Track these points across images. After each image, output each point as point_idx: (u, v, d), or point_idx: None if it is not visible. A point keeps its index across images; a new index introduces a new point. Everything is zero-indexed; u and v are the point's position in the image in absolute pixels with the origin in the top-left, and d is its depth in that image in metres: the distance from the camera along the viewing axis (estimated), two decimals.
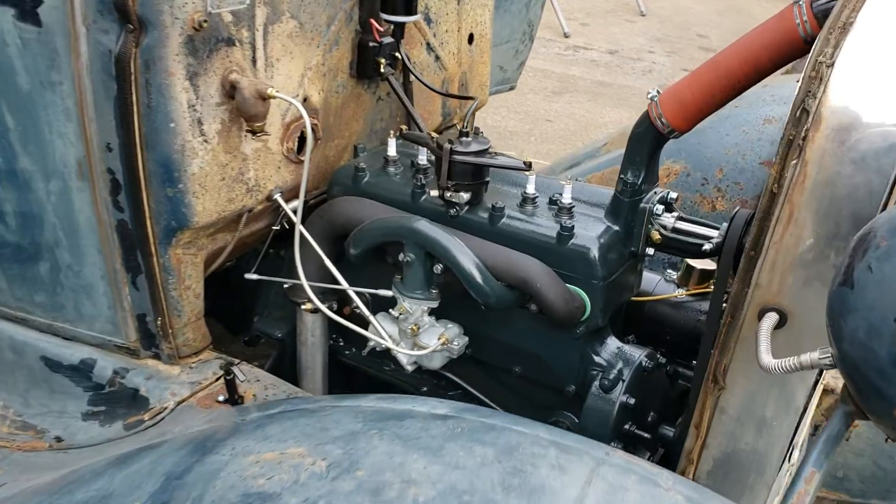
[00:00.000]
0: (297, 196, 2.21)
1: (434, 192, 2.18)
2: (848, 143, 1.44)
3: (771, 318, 1.55)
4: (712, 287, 2.36)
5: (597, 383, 2.11)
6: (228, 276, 2.57)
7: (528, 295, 2.07)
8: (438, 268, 2.11)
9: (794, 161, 1.48)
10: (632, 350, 2.18)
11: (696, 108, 1.96)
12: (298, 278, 2.22)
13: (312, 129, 2.32)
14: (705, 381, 1.74)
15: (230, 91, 2.00)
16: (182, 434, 1.75)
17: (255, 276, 2.35)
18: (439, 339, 2.13)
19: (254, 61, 2.06)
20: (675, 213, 2.13)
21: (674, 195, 2.15)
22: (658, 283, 2.41)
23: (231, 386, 2.11)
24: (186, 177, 2.00)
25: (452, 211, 2.18)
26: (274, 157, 2.21)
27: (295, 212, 2.20)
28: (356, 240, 2.19)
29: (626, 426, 2.12)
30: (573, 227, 2.05)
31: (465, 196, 2.15)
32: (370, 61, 2.40)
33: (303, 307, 2.36)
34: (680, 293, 2.36)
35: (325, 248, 2.30)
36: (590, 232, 2.08)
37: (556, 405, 2.25)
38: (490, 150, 2.16)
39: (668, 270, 2.45)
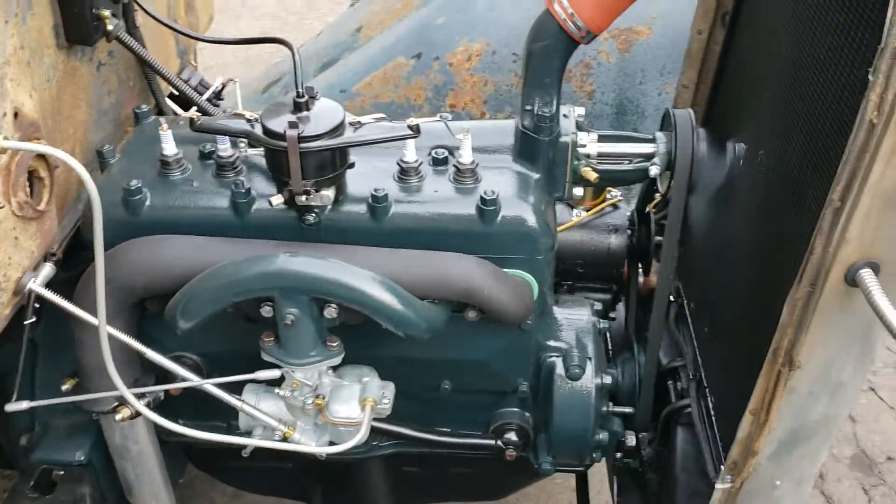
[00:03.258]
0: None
1: (278, 200, 1.45)
2: None
3: (870, 278, 1.18)
4: (613, 200, 1.96)
5: (560, 373, 1.65)
6: None
7: (468, 304, 1.50)
8: (333, 311, 1.43)
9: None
10: (578, 313, 1.73)
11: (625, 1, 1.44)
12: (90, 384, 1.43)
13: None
14: (768, 363, 1.35)
15: None
16: None
17: (23, 405, 1.49)
18: (362, 405, 1.49)
19: None
20: (591, 134, 1.63)
21: (581, 111, 1.64)
22: None
23: None
24: None
25: (310, 217, 1.48)
26: (4, 227, 1.31)
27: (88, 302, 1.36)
28: (187, 311, 1.42)
29: (605, 409, 1.72)
30: (497, 195, 1.47)
31: (330, 194, 1.45)
32: (85, 17, 1.49)
33: (117, 417, 1.55)
34: (578, 214, 1.92)
35: (122, 322, 1.50)
36: (515, 194, 1.52)
37: (498, 405, 1.76)
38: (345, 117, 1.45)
39: None
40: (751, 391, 1.52)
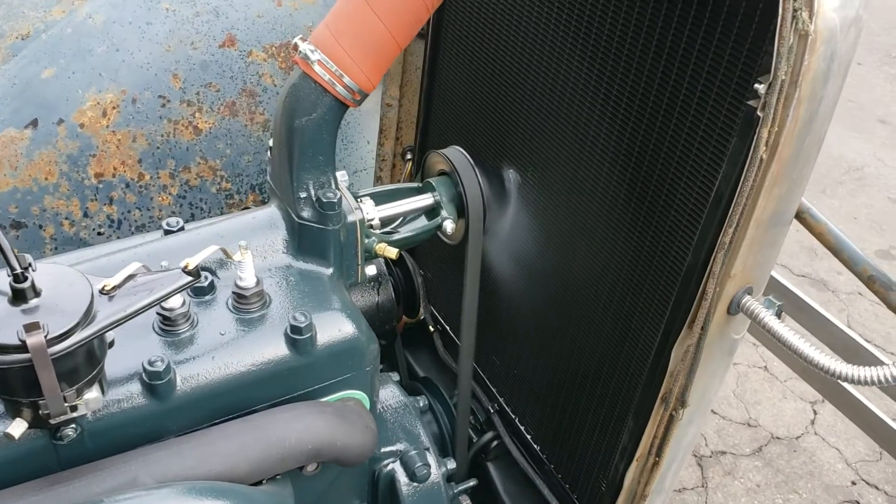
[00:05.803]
0: None
1: (19, 429, 0.97)
2: (836, 53, 1.01)
3: (754, 304, 1.15)
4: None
5: (404, 480, 1.41)
6: None
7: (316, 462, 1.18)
8: None
9: (782, 104, 1.00)
10: (392, 397, 1.50)
11: (396, 47, 1.19)
12: None
13: None
14: (657, 410, 1.27)
15: None
16: None
17: None
18: None
19: None
20: (367, 201, 1.37)
21: (344, 174, 1.37)
22: None
23: None
24: None
25: (70, 431, 1.03)
26: None
27: None
28: None
29: (452, 493, 1.52)
30: (308, 318, 1.16)
31: (96, 394, 1.01)
32: None
33: None
34: None
35: None
36: (321, 305, 1.21)
37: None
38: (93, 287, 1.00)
39: None
40: (595, 423, 1.46)
